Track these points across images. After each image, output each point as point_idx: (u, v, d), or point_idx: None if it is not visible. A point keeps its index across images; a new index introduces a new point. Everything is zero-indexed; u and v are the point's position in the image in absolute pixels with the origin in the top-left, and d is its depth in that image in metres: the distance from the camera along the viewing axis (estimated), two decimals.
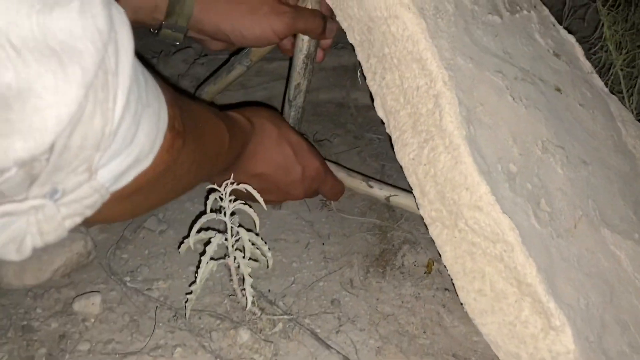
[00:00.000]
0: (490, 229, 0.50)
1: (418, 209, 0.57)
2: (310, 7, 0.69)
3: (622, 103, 0.78)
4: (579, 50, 0.77)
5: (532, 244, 0.50)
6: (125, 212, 0.44)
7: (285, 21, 0.65)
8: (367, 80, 0.59)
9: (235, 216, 0.58)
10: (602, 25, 0.84)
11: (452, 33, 0.57)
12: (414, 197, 0.57)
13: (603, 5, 0.84)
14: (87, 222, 0.36)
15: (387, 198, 0.70)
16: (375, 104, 0.59)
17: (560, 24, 0.80)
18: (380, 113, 0.59)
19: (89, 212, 0.34)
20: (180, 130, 0.41)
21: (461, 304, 0.57)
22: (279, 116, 0.68)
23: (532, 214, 0.53)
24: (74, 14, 0.27)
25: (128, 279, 0.65)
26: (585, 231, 0.58)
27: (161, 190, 0.43)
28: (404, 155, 0.56)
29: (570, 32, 0.78)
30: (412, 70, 0.54)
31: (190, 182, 0.51)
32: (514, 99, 0.59)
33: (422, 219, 0.58)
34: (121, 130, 0.32)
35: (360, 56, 0.60)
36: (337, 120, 0.99)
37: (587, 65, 0.76)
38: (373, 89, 0.59)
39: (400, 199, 0.70)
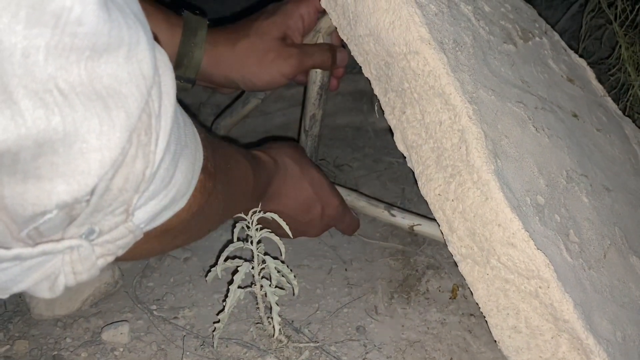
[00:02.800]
0: (525, 266, 0.49)
1: (444, 239, 0.56)
2: (321, 41, 0.69)
3: None
4: (590, 74, 0.76)
5: (567, 279, 0.49)
6: (152, 251, 0.44)
7: (293, 63, 0.66)
8: (385, 114, 0.59)
9: (261, 244, 0.59)
10: (620, 46, 0.85)
11: (472, 65, 0.56)
12: (440, 229, 0.56)
13: (620, 27, 0.85)
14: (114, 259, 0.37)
15: (411, 227, 0.70)
16: (395, 138, 0.59)
17: (578, 45, 0.80)
18: (401, 147, 0.58)
19: (121, 252, 0.34)
20: (211, 172, 0.41)
21: (494, 338, 0.56)
22: (301, 152, 0.69)
23: (563, 247, 0.52)
24: (121, 59, 0.27)
25: (154, 307, 0.66)
26: (615, 260, 0.57)
27: (190, 230, 0.44)
28: (429, 190, 0.55)
29: (587, 53, 0.79)
30: (434, 105, 0.53)
31: (215, 223, 0.51)
32: (536, 129, 0.58)
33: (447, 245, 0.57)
34: (160, 171, 0.32)
35: (377, 90, 0.59)
36: (356, 145, 1.00)
37: (599, 88, 0.76)
38: (392, 123, 0.58)
39: (424, 228, 0.69)
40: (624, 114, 0.79)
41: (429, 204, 0.56)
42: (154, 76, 0.29)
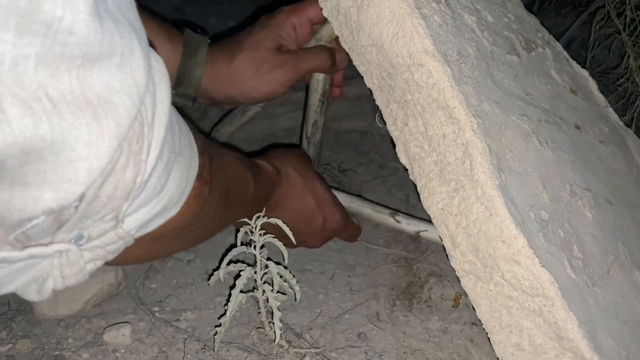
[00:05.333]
0: (529, 284, 0.48)
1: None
2: (322, 43, 0.68)
3: None
4: (592, 85, 0.76)
5: (571, 297, 0.49)
6: (145, 256, 0.44)
7: (288, 70, 0.65)
8: (387, 125, 0.58)
9: (264, 249, 0.59)
10: (628, 56, 0.84)
11: (476, 77, 0.55)
12: (445, 247, 0.55)
13: (629, 36, 0.84)
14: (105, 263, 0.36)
15: (417, 233, 0.70)
16: (397, 149, 0.58)
17: (586, 54, 0.80)
18: (403, 159, 0.57)
19: (111, 257, 0.34)
20: (207, 179, 0.41)
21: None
22: (306, 162, 0.68)
23: (567, 264, 0.51)
24: (113, 68, 0.26)
25: (157, 309, 0.66)
26: (618, 276, 0.56)
27: (184, 237, 0.43)
28: (431, 204, 0.54)
29: (596, 62, 0.78)
30: (438, 118, 0.52)
31: (212, 230, 0.51)
32: (540, 142, 0.57)
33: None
34: (152, 179, 0.32)
35: (379, 101, 0.58)
36: (361, 149, 1.00)
37: (601, 99, 0.76)
38: (394, 134, 0.57)
39: (430, 234, 0.69)
40: (631, 124, 0.79)
41: (431, 217, 0.55)
42: (147, 85, 0.29)
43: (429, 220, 0.70)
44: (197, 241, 0.50)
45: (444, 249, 0.67)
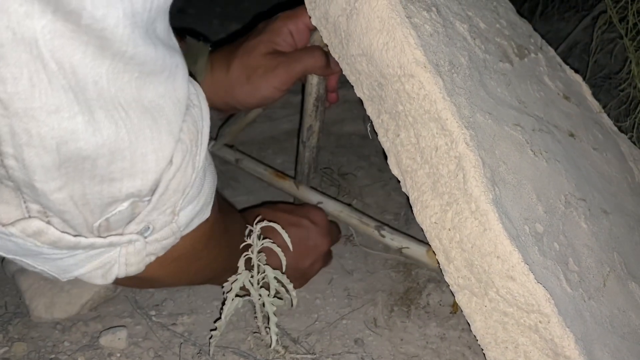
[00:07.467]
0: (525, 300, 0.47)
1: (430, 264, 0.55)
2: (317, 44, 0.67)
3: None
4: (586, 90, 0.75)
5: (567, 313, 0.48)
6: (164, 277, 0.48)
7: (281, 73, 0.64)
8: (379, 137, 0.57)
9: (261, 254, 0.59)
10: (630, 61, 0.84)
11: (469, 88, 0.54)
12: (431, 251, 0.54)
13: (631, 41, 0.84)
14: (123, 282, 0.44)
15: (400, 250, 0.68)
16: (389, 161, 0.57)
17: (589, 58, 0.79)
18: (395, 171, 0.56)
19: (161, 253, 0.41)
20: (215, 204, 0.47)
21: None
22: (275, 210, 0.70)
23: (563, 278, 0.50)
24: (162, 79, 0.33)
25: (153, 313, 0.66)
26: (614, 288, 0.56)
27: (197, 261, 0.49)
28: (424, 218, 0.53)
29: (598, 66, 0.78)
30: (430, 130, 0.51)
31: (212, 267, 0.55)
32: (534, 153, 0.56)
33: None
34: (197, 180, 0.39)
35: (370, 111, 0.57)
36: (361, 153, 1.00)
37: (595, 104, 0.75)
38: (386, 145, 0.56)
39: (412, 252, 0.67)
40: (632, 129, 0.78)
41: (424, 231, 0.54)
42: (187, 88, 0.36)
43: (414, 237, 0.69)
44: (203, 272, 0.55)
45: (429, 265, 0.66)
